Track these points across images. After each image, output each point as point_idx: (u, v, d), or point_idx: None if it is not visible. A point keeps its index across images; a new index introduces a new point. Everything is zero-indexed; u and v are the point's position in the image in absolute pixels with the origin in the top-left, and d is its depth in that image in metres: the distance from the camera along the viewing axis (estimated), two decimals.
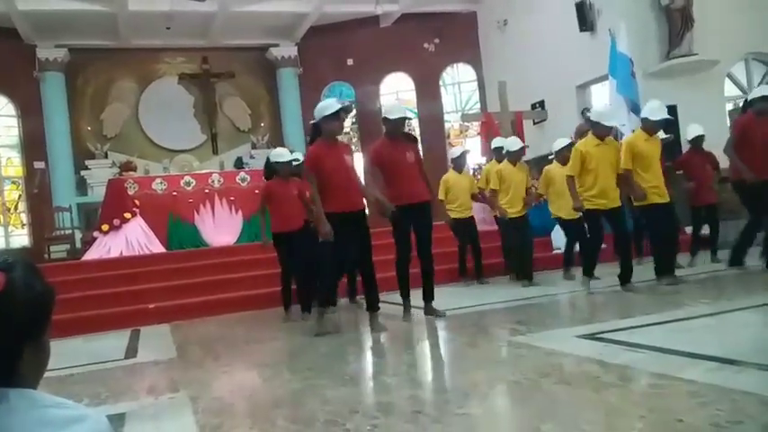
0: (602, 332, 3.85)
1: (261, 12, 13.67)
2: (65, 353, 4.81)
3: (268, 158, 6.31)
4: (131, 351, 5.13)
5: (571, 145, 6.49)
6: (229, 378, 3.95)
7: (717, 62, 10.11)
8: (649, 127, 5.80)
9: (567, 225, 6.85)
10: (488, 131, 10.52)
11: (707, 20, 9.91)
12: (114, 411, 3.03)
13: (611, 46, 9.69)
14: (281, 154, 6.13)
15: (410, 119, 5.28)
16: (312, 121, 5.07)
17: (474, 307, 5.65)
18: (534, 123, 11.74)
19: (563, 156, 6.61)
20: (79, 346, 5.35)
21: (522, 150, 7.22)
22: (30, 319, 0.86)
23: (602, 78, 10.55)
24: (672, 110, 9.24)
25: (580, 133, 7.34)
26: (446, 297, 6.49)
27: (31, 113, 13.43)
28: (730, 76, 10.88)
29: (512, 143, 7.18)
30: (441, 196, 7.19)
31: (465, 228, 7.31)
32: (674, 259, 6.02)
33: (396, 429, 2.43)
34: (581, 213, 5.88)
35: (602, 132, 5.74)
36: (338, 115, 4.87)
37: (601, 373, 2.92)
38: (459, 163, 7.47)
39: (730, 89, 10.92)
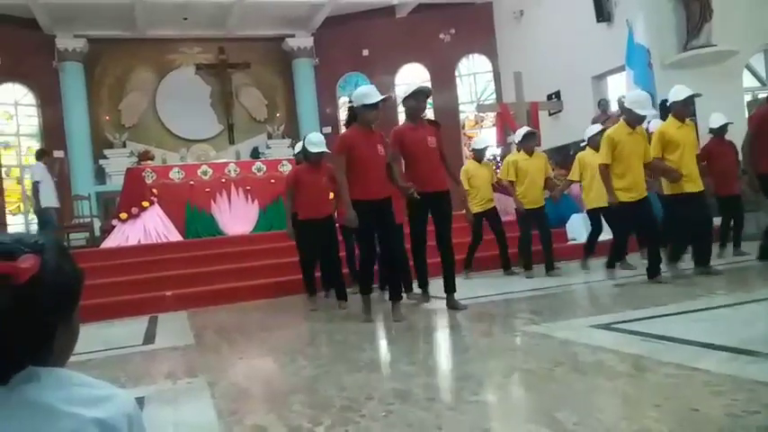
0: (617, 322, 3.86)
1: (277, 2, 13.69)
2: (83, 338, 4.78)
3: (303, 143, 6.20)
4: (149, 337, 5.19)
5: (603, 131, 6.31)
6: (246, 364, 4.00)
7: (735, 53, 9.99)
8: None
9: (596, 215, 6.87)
10: (504, 122, 10.49)
11: (726, 11, 9.79)
12: (133, 395, 3.08)
13: (628, 37, 9.62)
14: (316, 143, 5.84)
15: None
16: (349, 104, 5.01)
17: (489, 297, 5.67)
18: (550, 114, 11.68)
19: (596, 142, 6.54)
20: (97, 332, 5.42)
21: (531, 139, 7.03)
22: (61, 300, 0.88)
23: (619, 69, 10.48)
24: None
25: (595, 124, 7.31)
26: (461, 288, 6.53)
27: (50, 103, 13.58)
28: (749, 68, 10.75)
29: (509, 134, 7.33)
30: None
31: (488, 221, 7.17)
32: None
33: (410, 416, 2.45)
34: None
35: (635, 120, 5.50)
36: (377, 106, 4.83)
37: (615, 363, 2.92)
38: (480, 153, 7.30)
39: (748, 81, 10.79)
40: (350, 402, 2.68)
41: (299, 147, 6.50)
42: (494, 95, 14.91)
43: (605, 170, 5.52)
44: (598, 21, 11.12)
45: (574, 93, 11.68)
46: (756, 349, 2.88)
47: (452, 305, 5.06)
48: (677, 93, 5.66)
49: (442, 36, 15.04)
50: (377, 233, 4.89)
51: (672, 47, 10.15)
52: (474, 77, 15.66)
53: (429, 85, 15.38)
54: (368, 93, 4.86)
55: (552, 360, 3.09)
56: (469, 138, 15.46)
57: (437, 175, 5.07)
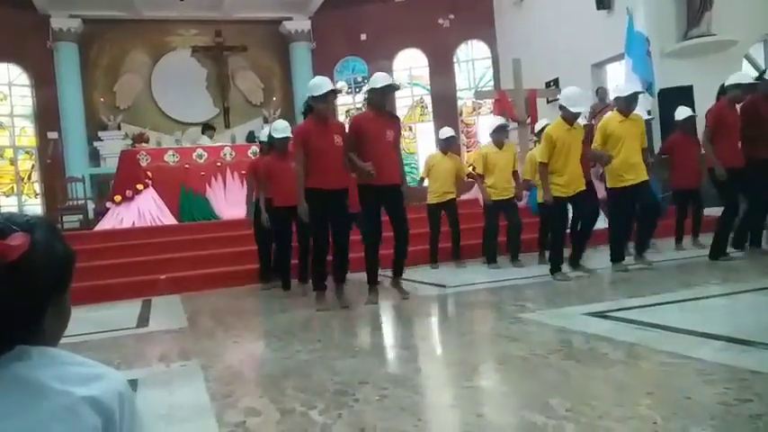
0: (611, 311, 3.86)
1: None
2: (77, 320, 4.80)
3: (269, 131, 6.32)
4: (143, 320, 5.19)
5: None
6: (239, 348, 4.00)
7: (735, 43, 9.94)
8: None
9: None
10: (502, 109, 10.45)
11: (726, 0, 9.73)
12: (127, 377, 3.07)
13: (627, 25, 9.56)
14: (280, 129, 6.10)
15: (397, 88, 5.31)
16: (307, 96, 5.11)
17: (483, 284, 5.67)
18: (548, 102, 11.62)
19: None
20: (91, 315, 5.41)
21: (502, 131, 6.94)
22: (51, 279, 0.88)
23: (618, 57, 10.42)
24: (688, 90, 9.19)
25: (594, 114, 7.26)
26: (459, 274, 6.53)
27: (44, 84, 13.46)
28: (747, 57, 10.70)
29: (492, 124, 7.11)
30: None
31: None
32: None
33: (404, 400, 2.45)
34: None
35: (570, 117, 5.61)
36: (326, 97, 4.86)
37: (609, 351, 2.93)
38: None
39: (747, 70, 10.75)
40: (344, 387, 2.68)
41: (264, 133, 6.69)
42: (492, 82, 14.85)
43: (543, 168, 5.63)
44: (598, 8, 11.05)
45: (572, 80, 11.45)
46: (750, 339, 2.89)
47: (396, 286, 5.18)
48: (621, 89, 5.86)
49: (440, 21, 14.93)
50: (329, 221, 4.92)
51: (672, 35, 10.09)
52: (472, 64, 15.57)
53: (427, 70, 15.34)
54: (318, 84, 4.89)
55: (546, 347, 3.10)
56: (467, 125, 15.45)
57: (391, 167, 5.00)
